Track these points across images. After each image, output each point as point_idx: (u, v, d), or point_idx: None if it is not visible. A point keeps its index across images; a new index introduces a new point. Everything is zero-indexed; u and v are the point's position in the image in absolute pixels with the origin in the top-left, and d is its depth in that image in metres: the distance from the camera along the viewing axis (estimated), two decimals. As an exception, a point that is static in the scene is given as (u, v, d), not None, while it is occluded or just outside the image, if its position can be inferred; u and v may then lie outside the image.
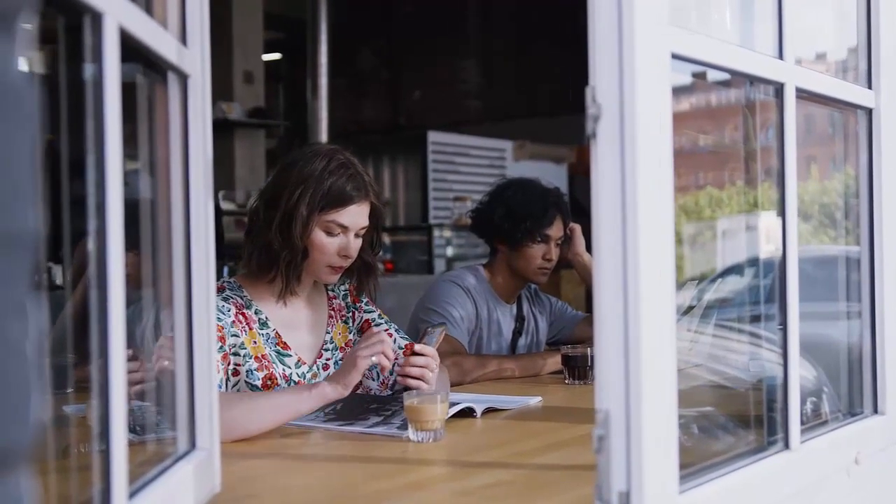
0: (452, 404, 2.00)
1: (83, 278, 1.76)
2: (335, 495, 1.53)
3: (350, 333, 2.35)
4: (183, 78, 1.32)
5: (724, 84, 1.71)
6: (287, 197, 2.13)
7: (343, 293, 2.38)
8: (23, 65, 0.53)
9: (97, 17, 0.98)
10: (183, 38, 1.32)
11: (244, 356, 2.11)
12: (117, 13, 1.01)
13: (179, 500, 1.24)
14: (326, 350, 2.29)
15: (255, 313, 2.18)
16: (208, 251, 1.36)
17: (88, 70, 0.99)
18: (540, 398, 2.33)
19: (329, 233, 2.16)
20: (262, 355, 2.14)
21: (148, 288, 1.37)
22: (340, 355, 2.30)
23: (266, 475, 1.64)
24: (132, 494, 1.07)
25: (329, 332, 2.31)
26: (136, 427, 1.36)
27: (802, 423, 1.51)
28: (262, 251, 2.17)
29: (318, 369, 2.25)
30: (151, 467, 1.23)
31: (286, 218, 2.12)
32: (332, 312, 2.34)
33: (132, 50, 1.09)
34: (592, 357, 2.60)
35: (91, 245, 0.99)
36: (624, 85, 1.14)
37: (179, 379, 1.34)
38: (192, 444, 1.34)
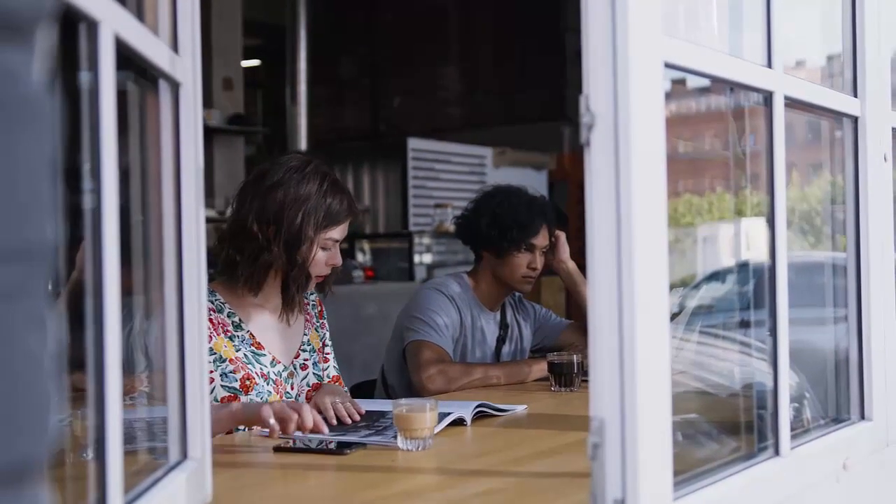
0: (443, 415, 2.00)
1: (68, 284, 1.75)
2: (326, 504, 1.53)
3: (320, 341, 2.44)
4: (175, 86, 1.31)
5: (705, 91, 1.72)
6: (288, 219, 2.18)
7: (312, 303, 2.46)
8: (40, 75, 0.53)
9: (93, 26, 0.97)
10: (175, 46, 1.32)
11: (214, 361, 2.16)
12: (113, 21, 1.00)
13: (172, 510, 1.23)
14: (304, 350, 2.37)
15: (228, 316, 2.24)
16: (200, 260, 1.36)
17: (83, 78, 0.99)
18: (525, 406, 2.33)
19: (325, 248, 2.26)
20: (237, 357, 2.20)
21: (137, 296, 1.36)
22: (317, 357, 2.39)
23: (257, 485, 1.64)
24: (127, 505, 1.06)
25: (306, 334, 2.39)
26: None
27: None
28: (262, 270, 2.22)
29: (295, 368, 2.33)
30: (142, 477, 1.22)
31: (293, 240, 2.19)
32: (308, 316, 2.42)
33: (125, 57, 1.09)
34: (578, 364, 2.62)
35: (86, 253, 0.99)
36: (618, 93, 1.15)
37: (171, 389, 1.33)
38: (184, 455, 1.33)
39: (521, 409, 2.31)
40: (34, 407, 0.52)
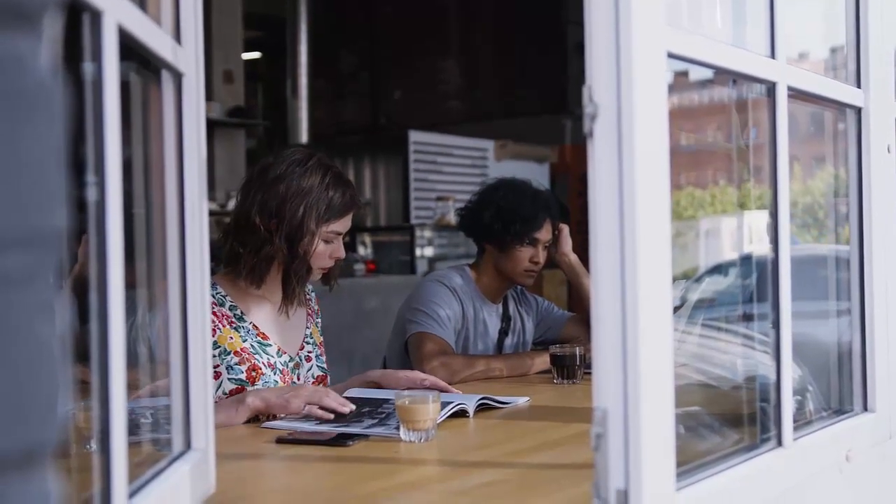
0: (445, 404, 2.00)
1: (70, 277, 1.75)
2: (329, 496, 1.53)
3: (319, 336, 2.46)
4: (177, 77, 1.31)
5: (707, 83, 1.72)
6: (290, 211, 2.20)
7: (312, 299, 2.49)
8: (48, 63, 0.52)
9: (96, 16, 0.97)
10: (177, 37, 1.31)
11: (219, 354, 2.17)
12: (116, 11, 1.00)
13: (177, 500, 1.23)
14: (308, 343, 2.39)
15: (230, 309, 2.26)
16: (203, 251, 1.36)
17: (87, 68, 0.98)
18: (528, 398, 2.33)
19: (327, 241, 2.26)
20: (242, 349, 2.21)
21: (140, 288, 1.36)
22: (319, 351, 2.42)
23: (260, 476, 1.64)
24: (131, 495, 1.06)
25: (308, 328, 2.41)
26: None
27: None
28: (265, 262, 2.23)
29: (300, 360, 2.35)
30: (145, 468, 1.22)
31: (295, 233, 2.20)
32: (309, 311, 2.45)
33: (127, 48, 1.08)
34: (581, 356, 2.62)
35: (90, 246, 0.98)
36: (621, 84, 1.14)
37: (175, 380, 1.33)
38: (188, 445, 1.33)
39: (523, 400, 2.32)
40: (44, 393, 0.53)
